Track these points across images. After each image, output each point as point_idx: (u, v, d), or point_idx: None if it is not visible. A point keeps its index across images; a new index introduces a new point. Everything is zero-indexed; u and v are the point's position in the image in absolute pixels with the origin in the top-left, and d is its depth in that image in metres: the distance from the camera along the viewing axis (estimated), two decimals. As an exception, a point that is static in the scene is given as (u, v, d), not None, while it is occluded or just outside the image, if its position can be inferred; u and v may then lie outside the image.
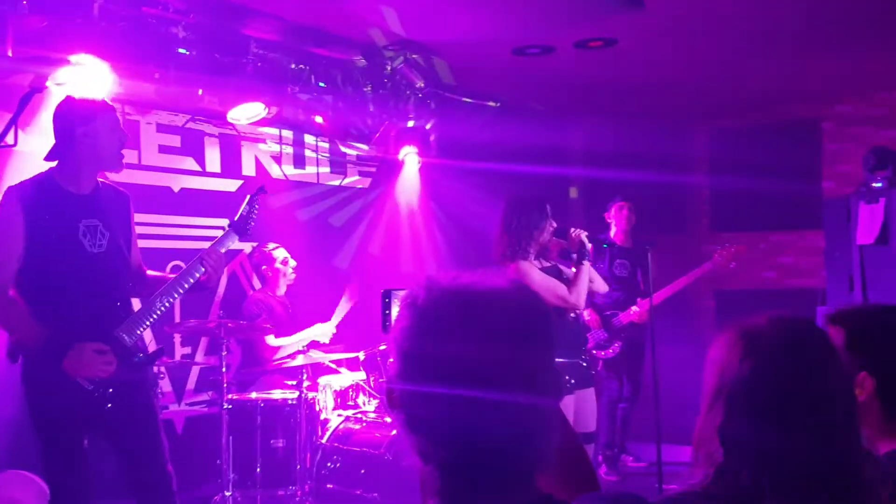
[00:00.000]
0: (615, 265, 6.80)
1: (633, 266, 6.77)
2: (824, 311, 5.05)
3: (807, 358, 1.57)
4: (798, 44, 5.94)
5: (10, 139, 2.71)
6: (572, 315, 4.67)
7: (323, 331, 5.83)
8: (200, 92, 5.16)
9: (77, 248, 3.60)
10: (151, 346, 5.05)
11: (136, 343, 3.70)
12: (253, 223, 3.96)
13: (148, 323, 3.73)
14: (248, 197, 3.98)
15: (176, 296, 3.78)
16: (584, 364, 4.71)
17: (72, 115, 3.61)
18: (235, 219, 3.93)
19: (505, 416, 1.26)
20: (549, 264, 4.68)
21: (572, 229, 4.70)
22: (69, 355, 3.47)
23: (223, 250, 3.87)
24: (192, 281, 3.78)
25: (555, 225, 4.61)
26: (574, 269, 4.65)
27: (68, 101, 3.68)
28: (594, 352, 6.69)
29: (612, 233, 6.84)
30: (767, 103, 7.94)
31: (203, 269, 3.78)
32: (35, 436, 3.62)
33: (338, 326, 5.98)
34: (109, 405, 3.61)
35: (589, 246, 4.67)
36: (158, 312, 3.74)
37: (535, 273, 4.52)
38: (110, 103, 3.77)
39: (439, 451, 1.30)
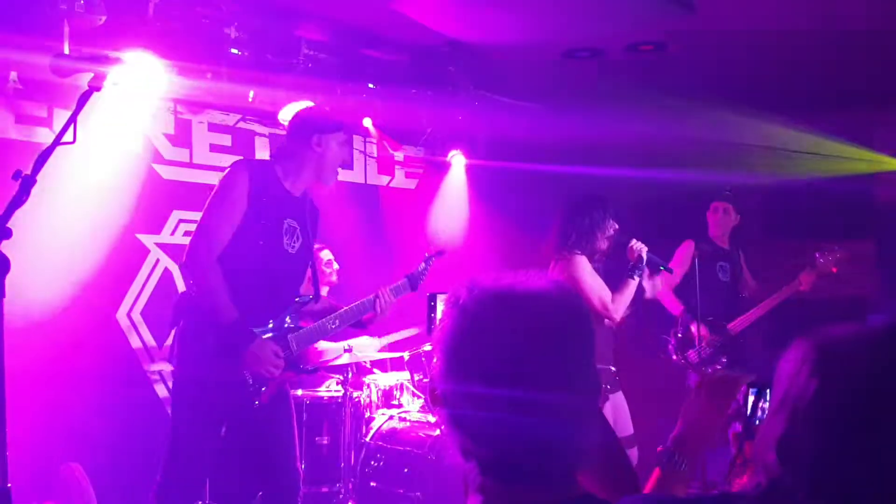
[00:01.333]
0: (718, 268, 6.30)
1: (733, 269, 6.35)
2: (876, 320, 4.96)
3: (882, 385, 1.46)
4: (852, 49, 5.86)
5: (69, 136, 2.76)
6: (606, 322, 4.63)
7: (368, 343, 5.81)
8: (252, 93, 5.22)
9: (277, 242, 3.75)
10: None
11: (298, 353, 3.86)
12: (422, 281, 4.35)
13: (317, 340, 4.01)
14: (427, 255, 4.44)
15: (345, 323, 4.05)
16: (613, 369, 4.69)
17: (312, 123, 3.86)
18: (414, 273, 4.32)
19: (544, 414, 1.28)
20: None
21: (633, 241, 4.65)
22: (252, 347, 3.59)
23: (396, 297, 4.16)
24: (362, 313, 4.08)
25: (615, 227, 4.60)
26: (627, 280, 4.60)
27: (311, 109, 4.06)
28: (702, 369, 6.19)
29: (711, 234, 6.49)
30: (819, 108, 7.82)
31: (373, 309, 4.08)
32: (173, 410, 3.77)
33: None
34: (257, 402, 3.71)
35: (644, 263, 4.62)
36: (327, 333, 4.00)
37: (587, 270, 4.52)
38: (346, 123, 4.02)
39: (480, 448, 1.32)
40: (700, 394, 1.93)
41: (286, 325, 3.84)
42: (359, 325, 4.15)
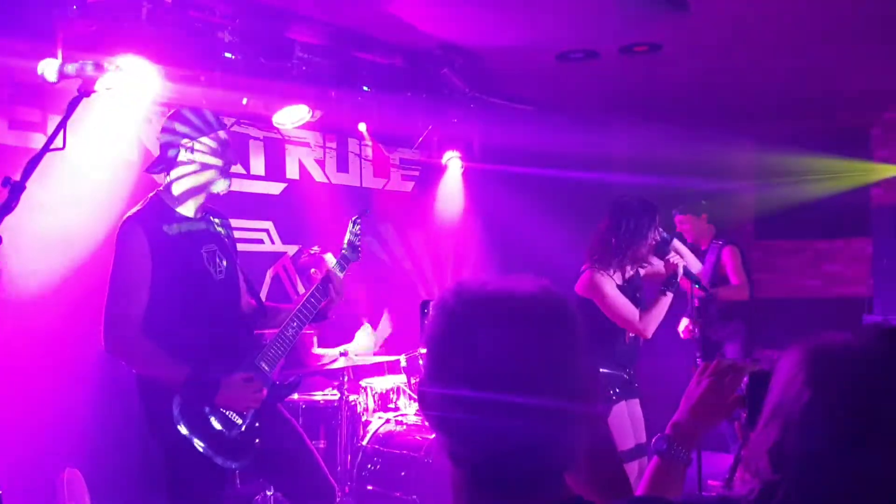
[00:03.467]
0: None
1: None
2: (871, 320, 4.95)
3: (875, 394, 1.43)
4: (847, 49, 5.86)
5: (58, 143, 2.75)
6: (631, 335, 4.51)
7: (365, 343, 5.80)
8: (245, 100, 5.21)
9: (205, 276, 3.46)
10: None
11: (273, 372, 3.57)
12: (360, 244, 3.94)
13: (284, 351, 3.63)
14: (353, 219, 3.97)
15: (305, 322, 3.68)
16: (627, 377, 4.56)
17: (177, 128, 3.50)
18: (345, 243, 3.89)
19: (530, 418, 1.28)
20: (627, 282, 4.53)
21: (672, 255, 4.52)
22: (220, 392, 3.33)
23: (343, 274, 3.82)
24: (318, 305, 3.71)
25: (659, 237, 4.48)
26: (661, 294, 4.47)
27: (177, 112, 3.58)
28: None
29: None
30: (815, 109, 7.83)
31: (327, 295, 3.72)
32: (169, 482, 3.43)
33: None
34: (258, 440, 3.48)
35: (679, 279, 4.48)
36: (291, 340, 3.64)
37: (608, 289, 4.39)
38: (221, 119, 3.67)
39: (468, 452, 1.32)
40: (703, 380, 1.92)
41: (253, 350, 3.58)
42: (319, 318, 3.79)
